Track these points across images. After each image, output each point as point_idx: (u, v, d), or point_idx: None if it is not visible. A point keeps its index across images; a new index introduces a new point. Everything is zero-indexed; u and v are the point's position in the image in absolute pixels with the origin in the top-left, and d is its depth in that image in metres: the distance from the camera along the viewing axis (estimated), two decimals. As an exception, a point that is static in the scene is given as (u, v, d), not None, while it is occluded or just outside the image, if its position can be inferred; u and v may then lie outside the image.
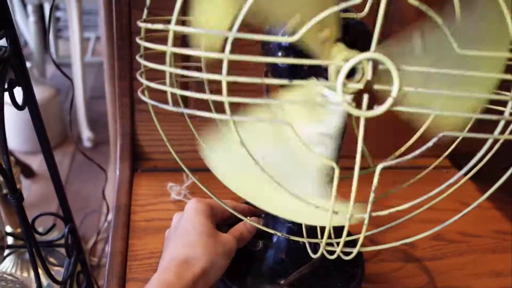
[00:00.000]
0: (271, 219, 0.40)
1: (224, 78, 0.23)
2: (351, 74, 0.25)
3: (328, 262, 0.40)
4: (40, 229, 0.57)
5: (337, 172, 0.25)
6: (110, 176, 0.81)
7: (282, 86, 0.26)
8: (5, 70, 0.37)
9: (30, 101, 0.43)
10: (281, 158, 0.26)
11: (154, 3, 0.28)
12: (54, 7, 1.63)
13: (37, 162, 1.20)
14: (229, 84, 0.23)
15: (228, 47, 0.22)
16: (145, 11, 0.28)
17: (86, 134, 1.30)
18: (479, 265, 0.48)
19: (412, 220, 0.52)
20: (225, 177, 0.28)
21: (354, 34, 0.29)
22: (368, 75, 0.24)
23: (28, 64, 1.20)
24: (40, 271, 0.44)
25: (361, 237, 0.29)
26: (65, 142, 1.33)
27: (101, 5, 0.52)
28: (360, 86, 0.24)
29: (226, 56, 0.22)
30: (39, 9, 1.46)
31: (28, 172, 1.13)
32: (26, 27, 1.60)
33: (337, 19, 0.26)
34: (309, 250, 0.35)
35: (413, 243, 0.50)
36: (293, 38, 0.22)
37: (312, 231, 0.39)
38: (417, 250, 0.48)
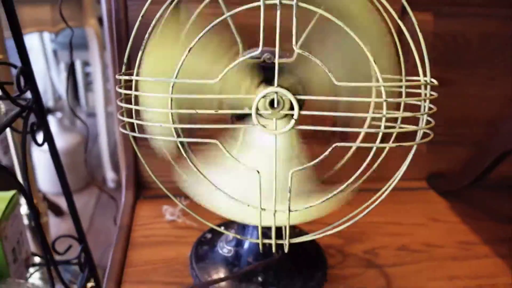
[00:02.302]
0: (241, 229, 0.48)
1: (170, 111, 0.32)
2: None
3: (291, 265, 0.47)
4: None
5: (258, 176, 0.33)
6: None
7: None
8: (28, 116, 0.47)
9: (48, 139, 0.53)
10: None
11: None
12: (84, 63, 1.82)
13: (65, 202, 1.31)
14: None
15: (170, 90, 0.32)
16: (123, 67, 0.38)
17: (110, 175, 1.42)
18: (437, 270, 0.53)
19: (379, 233, 0.59)
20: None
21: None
22: (275, 104, 0.32)
23: (59, 114, 1.34)
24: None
25: (287, 227, 0.36)
26: (92, 184, 1.45)
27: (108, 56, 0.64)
28: (269, 112, 0.32)
29: (170, 96, 0.32)
30: (71, 66, 1.64)
31: (58, 211, 1.25)
32: (60, 82, 1.79)
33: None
34: (261, 248, 0.42)
35: (377, 252, 0.56)
36: (215, 81, 0.31)
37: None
38: (380, 259, 0.54)
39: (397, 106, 0.41)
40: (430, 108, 0.35)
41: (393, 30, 0.38)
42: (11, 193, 0.56)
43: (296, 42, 0.31)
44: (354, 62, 0.38)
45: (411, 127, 0.34)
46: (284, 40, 0.33)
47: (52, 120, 1.37)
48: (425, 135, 0.36)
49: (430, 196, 0.69)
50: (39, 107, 0.51)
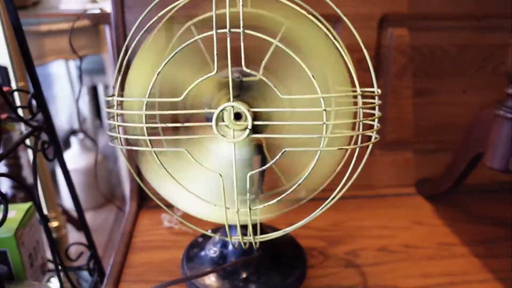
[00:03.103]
0: (225, 231, 0.53)
1: (144, 125, 0.38)
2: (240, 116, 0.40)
3: (270, 263, 0.52)
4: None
5: (221, 180, 0.38)
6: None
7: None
8: (39, 135, 0.55)
9: (58, 156, 0.60)
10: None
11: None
12: (106, 87, 1.93)
13: (88, 218, 1.40)
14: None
15: (144, 107, 0.38)
16: (112, 90, 0.44)
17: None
18: (412, 269, 0.56)
19: (362, 236, 0.63)
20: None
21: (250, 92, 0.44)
22: (232, 117, 0.38)
23: (81, 136, 1.44)
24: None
25: (249, 224, 0.41)
26: (112, 201, 1.54)
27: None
28: (226, 123, 0.38)
29: (144, 113, 0.38)
30: (93, 90, 1.75)
31: (78, 225, 1.33)
32: (84, 105, 1.90)
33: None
34: (230, 243, 0.47)
35: (357, 253, 0.59)
36: (179, 99, 0.37)
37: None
38: (360, 259, 0.58)
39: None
40: (371, 115, 0.40)
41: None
42: (28, 204, 0.62)
43: (246, 64, 0.37)
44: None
45: (353, 132, 0.39)
46: (252, 62, 0.38)
47: (74, 141, 1.47)
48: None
49: (417, 201, 0.73)
50: (49, 127, 0.58)
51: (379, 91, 0.41)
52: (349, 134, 0.39)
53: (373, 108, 0.41)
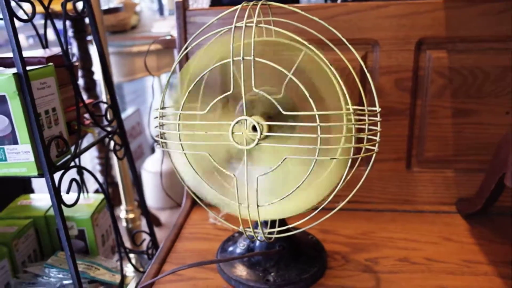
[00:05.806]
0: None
1: (178, 132, 0.48)
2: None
3: (289, 259, 0.59)
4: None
5: (235, 180, 0.47)
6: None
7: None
8: (113, 137, 0.68)
9: (128, 156, 0.73)
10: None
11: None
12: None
13: (164, 216, 1.57)
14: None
15: (177, 117, 0.47)
16: (160, 104, 0.55)
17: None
18: (428, 280, 0.58)
19: (388, 246, 0.68)
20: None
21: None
22: (248, 128, 0.46)
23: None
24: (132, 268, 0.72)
25: (258, 220, 0.48)
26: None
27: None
28: (240, 133, 0.46)
29: (177, 122, 0.47)
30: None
31: (157, 222, 1.50)
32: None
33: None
34: (246, 235, 0.54)
35: (378, 261, 0.63)
36: (204, 112, 0.46)
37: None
38: (379, 266, 0.61)
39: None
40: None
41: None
42: (102, 195, 0.77)
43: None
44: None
45: (344, 146, 0.45)
46: (279, 82, 0.47)
47: (157, 148, 1.66)
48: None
49: (454, 219, 0.73)
50: (121, 132, 0.71)
51: (380, 109, 0.46)
52: (340, 147, 0.45)
53: (375, 124, 0.47)
